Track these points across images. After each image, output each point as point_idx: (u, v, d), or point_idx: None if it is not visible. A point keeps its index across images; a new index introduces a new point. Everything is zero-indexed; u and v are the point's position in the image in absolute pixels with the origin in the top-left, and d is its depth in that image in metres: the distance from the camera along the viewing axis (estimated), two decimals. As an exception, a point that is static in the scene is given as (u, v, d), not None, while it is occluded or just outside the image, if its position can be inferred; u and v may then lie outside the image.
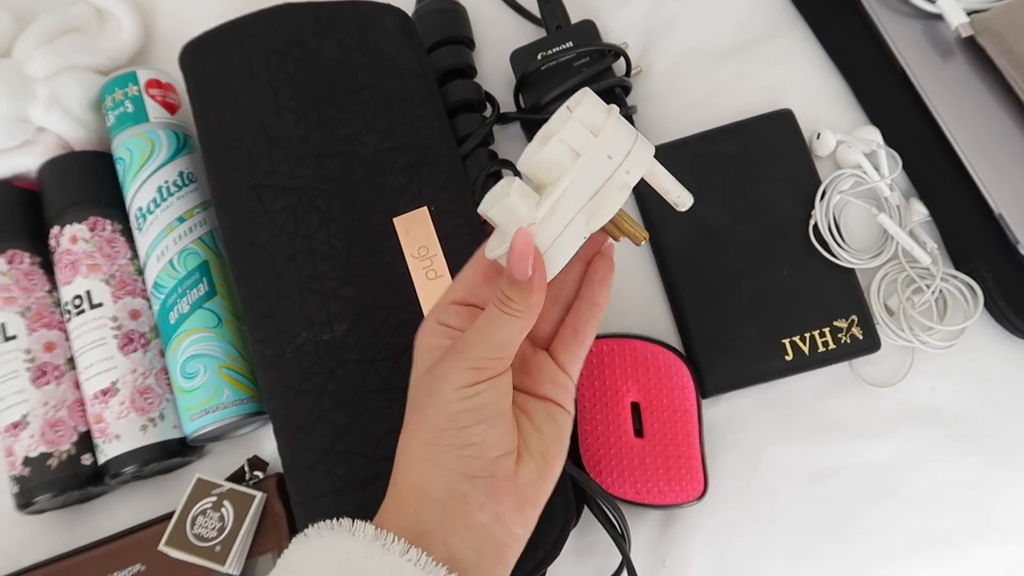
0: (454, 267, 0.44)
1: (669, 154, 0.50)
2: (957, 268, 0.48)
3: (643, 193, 0.50)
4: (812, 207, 0.48)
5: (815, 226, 0.47)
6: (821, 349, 0.46)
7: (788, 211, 0.48)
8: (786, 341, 0.47)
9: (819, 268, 0.47)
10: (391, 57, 0.47)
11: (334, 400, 0.42)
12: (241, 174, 0.46)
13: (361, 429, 0.41)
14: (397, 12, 0.48)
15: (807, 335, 0.47)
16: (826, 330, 0.47)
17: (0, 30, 0.52)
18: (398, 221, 0.44)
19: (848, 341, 0.46)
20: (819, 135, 0.50)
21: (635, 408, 0.46)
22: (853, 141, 0.49)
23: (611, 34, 0.56)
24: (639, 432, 0.45)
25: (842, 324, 0.47)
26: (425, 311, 0.43)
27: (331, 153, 0.45)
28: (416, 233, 0.44)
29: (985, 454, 0.45)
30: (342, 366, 0.42)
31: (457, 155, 0.46)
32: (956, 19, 0.49)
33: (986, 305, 0.47)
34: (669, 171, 0.37)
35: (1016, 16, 0.48)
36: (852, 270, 0.47)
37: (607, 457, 0.45)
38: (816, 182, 0.49)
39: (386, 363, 0.42)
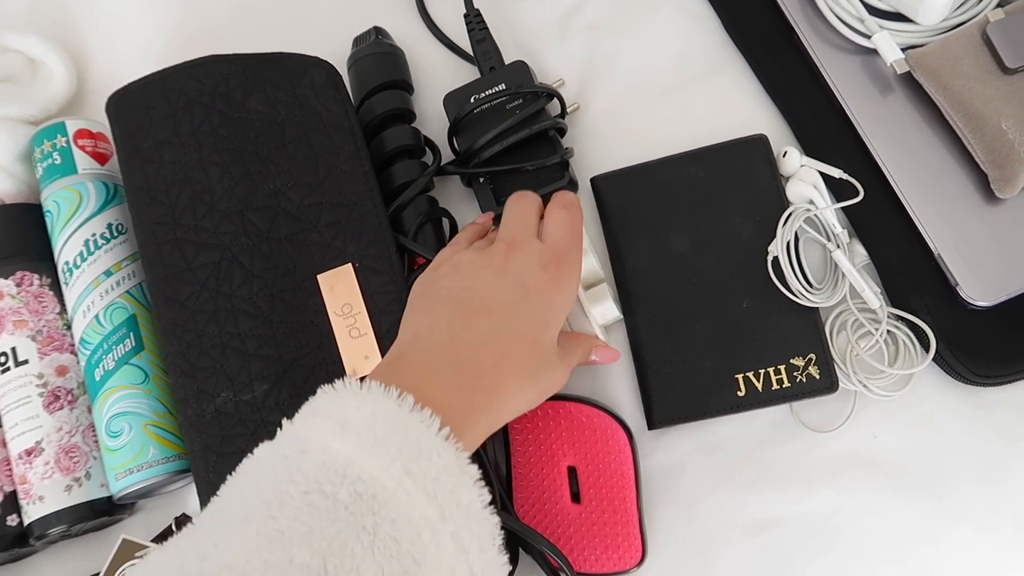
0: (378, 325, 0.43)
1: (633, 177, 0.49)
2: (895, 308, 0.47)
3: (608, 213, 0.49)
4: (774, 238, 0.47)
5: (775, 261, 0.46)
6: (775, 387, 0.46)
7: (752, 242, 0.47)
8: (740, 376, 0.46)
9: (780, 303, 0.46)
10: (317, 111, 0.46)
11: (254, 463, 0.41)
12: (164, 228, 0.45)
13: (280, 494, 0.40)
14: (324, 65, 0.47)
15: (762, 371, 0.46)
16: (782, 367, 0.46)
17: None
18: (322, 278, 0.44)
19: (804, 380, 0.45)
20: (785, 153, 0.49)
21: (571, 472, 0.45)
22: (813, 164, 0.48)
23: (548, 70, 0.55)
24: (576, 497, 0.44)
25: (799, 362, 0.46)
26: (348, 370, 0.42)
27: (255, 208, 0.45)
28: (340, 290, 0.43)
29: (928, 504, 0.44)
30: (263, 427, 0.41)
31: (383, 211, 0.45)
32: (891, 55, 0.48)
33: (922, 346, 0.46)
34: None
35: (952, 52, 0.47)
36: (815, 308, 0.46)
37: (544, 523, 0.44)
38: (783, 211, 0.47)
39: (306, 425, 0.41)
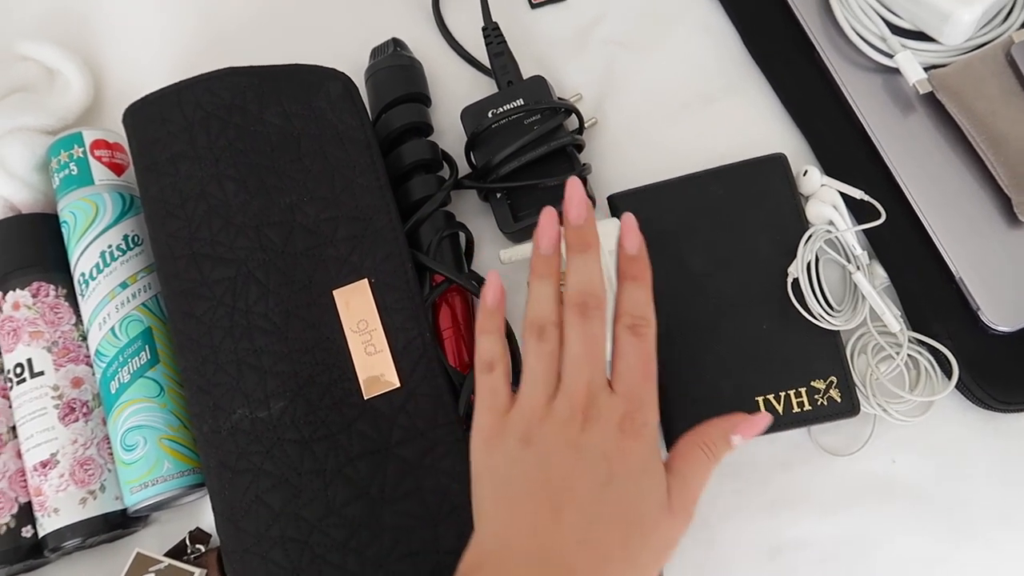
0: (394, 342, 0.43)
1: (652, 195, 0.49)
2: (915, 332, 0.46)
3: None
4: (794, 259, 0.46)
5: (794, 282, 0.46)
6: (795, 409, 0.45)
7: (772, 262, 0.47)
8: (760, 399, 0.45)
9: (800, 325, 0.46)
10: (334, 124, 0.46)
11: (270, 481, 0.41)
12: (181, 242, 0.45)
13: (296, 513, 0.40)
14: (340, 77, 0.47)
15: (782, 394, 0.45)
16: (802, 390, 0.45)
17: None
18: (338, 294, 0.43)
19: (824, 403, 0.45)
20: (806, 172, 0.48)
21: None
22: (833, 184, 0.48)
23: (566, 84, 0.55)
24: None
25: (820, 385, 0.45)
26: (363, 388, 0.42)
27: (271, 223, 0.44)
28: (356, 306, 0.43)
29: (947, 530, 0.44)
30: (278, 445, 0.41)
31: (399, 226, 0.45)
32: (914, 76, 0.47)
33: (944, 372, 0.45)
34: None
35: (975, 72, 0.47)
36: (836, 330, 0.46)
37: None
38: (803, 232, 0.47)
39: (322, 443, 0.41)
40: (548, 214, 0.40)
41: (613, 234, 0.46)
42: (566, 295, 0.38)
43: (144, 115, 0.47)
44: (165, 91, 0.47)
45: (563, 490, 0.35)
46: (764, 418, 0.39)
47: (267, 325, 0.43)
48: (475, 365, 0.39)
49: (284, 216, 0.45)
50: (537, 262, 0.39)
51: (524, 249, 0.48)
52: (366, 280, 0.44)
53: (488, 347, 0.39)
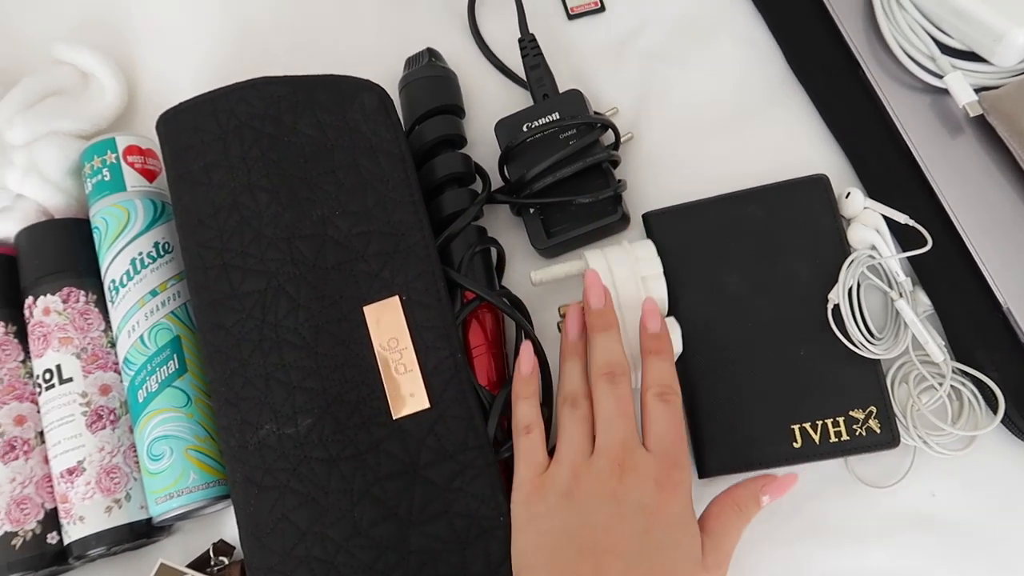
0: (424, 362, 0.42)
1: (688, 214, 0.48)
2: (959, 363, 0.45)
3: (661, 251, 0.47)
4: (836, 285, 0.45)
5: (835, 308, 0.45)
6: (833, 439, 0.44)
7: (811, 287, 0.46)
8: (796, 427, 0.44)
9: (839, 353, 0.44)
10: (368, 136, 0.45)
11: (296, 499, 0.40)
12: (212, 253, 0.44)
13: (322, 533, 0.40)
14: (376, 89, 0.47)
15: (819, 423, 0.44)
16: (840, 419, 0.44)
17: (-17, 93, 0.52)
18: (369, 310, 0.43)
19: (863, 434, 0.44)
20: (848, 194, 0.47)
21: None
22: (877, 207, 0.47)
23: (602, 97, 0.54)
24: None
25: (858, 415, 0.44)
26: (392, 408, 0.41)
27: (303, 236, 0.44)
28: (387, 324, 0.43)
29: (989, 567, 0.43)
30: (305, 463, 0.41)
31: (432, 243, 0.44)
32: (964, 97, 0.46)
33: (988, 405, 0.44)
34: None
35: (1029, 96, 0.45)
36: (876, 359, 0.44)
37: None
38: (844, 256, 0.46)
39: (349, 463, 0.41)
40: (574, 312, 0.44)
41: (647, 258, 0.46)
42: (592, 368, 0.41)
43: (177, 123, 0.47)
44: (199, 99, 0.47)
45: (603, 539, 0.36)
46: (791, 479, 0.42)
47: (296, 340, 0.42)
48: (513, 429, 0.42)
49: (316, 229, 0.44)
50: (566, 346, 0.43)
51: (555, 271, 0.47)
52: (397, 297, 0.43)
53: (524, 412, 0.42)
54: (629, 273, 0.45)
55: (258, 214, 0.44)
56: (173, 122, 0.47)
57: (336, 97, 0.46)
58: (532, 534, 0.38)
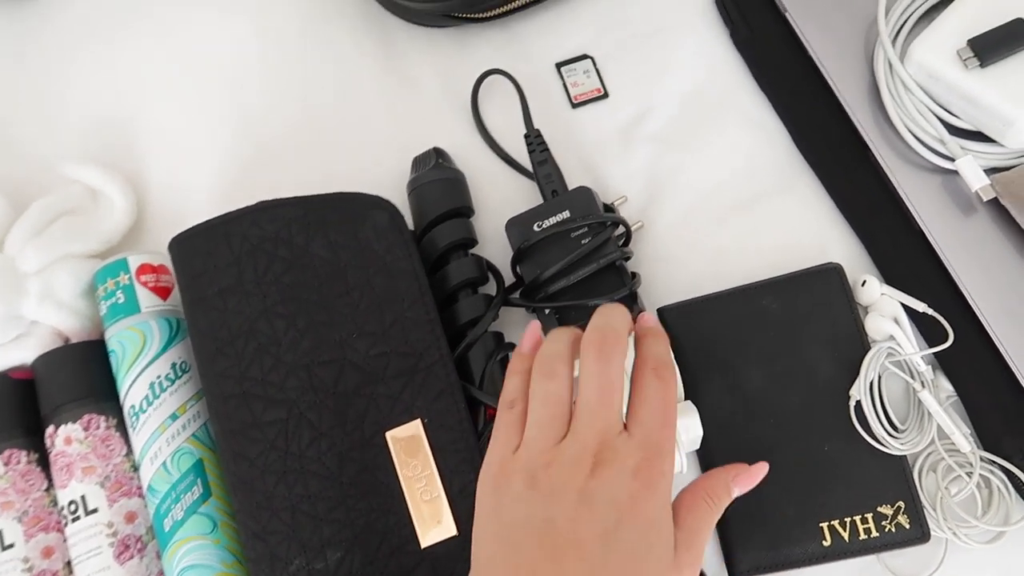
0: (450, 487, 0.42)
1: (703, 308, 0.48)
2: (986, 452, 0.45)
3: (678, 346, 0.48)
4: (855, 378, 0.45)
5: (857, 404, 0.45)
6: (862, 536, 0.44)
7: (831, 380, 0.46)
8: (824, 525, 0.44)
9: (864, 447, 0.44)
10: (381, 255, 0.45)
11: (330, 636, 0.40)
12: (231, 382, 0.44)
13: (357, 670, 0.40)
14: (386, 206, 0.47)
15: (848, 520, 0.44)
16: (869, 516, 0.44)
17: (-6, 218, 0.52)
18: (391, 436, 0.43)
19: (893, 530, 0.44)
20: (864, 282, 0.47)
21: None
22: (894, 294, 0.46)
23: (610, 186, 0.54)
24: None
25: (887, 511, 0.44)
26: (420, 536, 0.41)
27: (321, 362, 0.44)
28: (410, 449, 0.43)
29: (1026, 661, 0.42)
30: (336, 597, 0.41)
31: (450, 361, 0.44)
32: (976, 182, 0.46)
33: (1020, 493, 0.44)
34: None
35: (1042, 179, 0.45)
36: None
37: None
38: (863, 348, 0.45)
39: (381, 597, 0.41)
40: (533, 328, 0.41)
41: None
42: (584, 336, 0.37)
43: (190, 247, 0.47)
44: (211, 223, 0.47)
45: (567, 538, 0.33)
46: (761, 468, 0.39)
47: (321, 470, 0.42)
48: (498, 405, 0.38)
49: (334, 354, 0.44)
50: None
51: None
52: (419, 420, 0.43)
53: (513, 387, 0.38)
54: None
55: (276, 340, 0.44)
56: (185, 246, 0.47)
57: (347, 216, 0.46)
58: (494, 523, 0.35)
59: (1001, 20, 0.45)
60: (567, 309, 0.48)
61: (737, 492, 0.38)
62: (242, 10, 0.58)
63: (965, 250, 0.46)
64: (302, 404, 0.43)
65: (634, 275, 0.49)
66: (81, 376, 0.50)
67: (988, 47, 0.45)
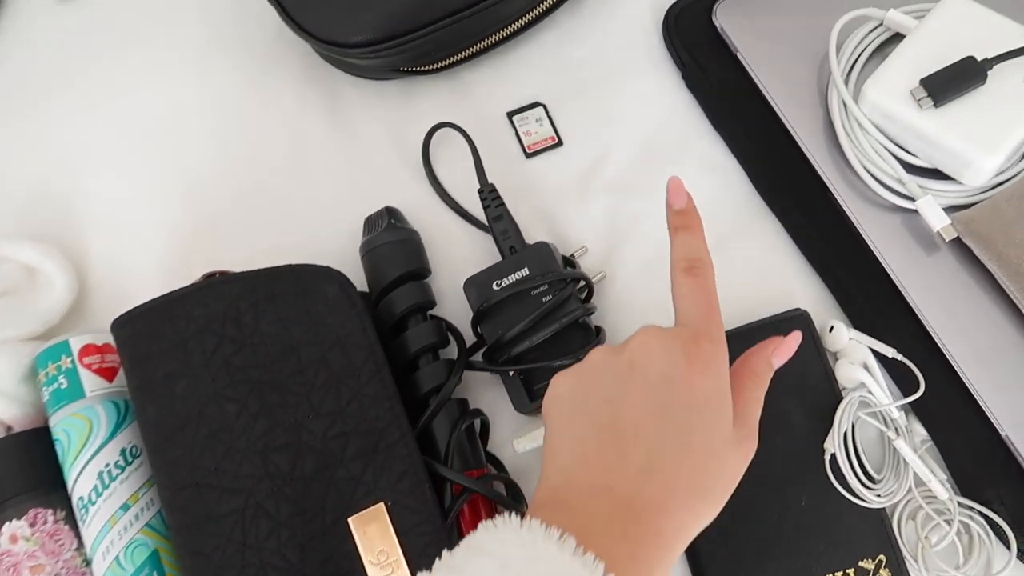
0: (416, 571, 0.40)
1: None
2: (964, 497, 0.44)
3: None
4: (829, 429, 0.44)
5: (832, 457, 0.44)
6: None
7: (805, 431, 0.45)
8: None
9: (841, 501, 0.43)
10: (334, 329, 0.44)
11: None
12: (183, 472, 0.42)
13: None
14: (337, 277, 0.45)
15: None
16: (851, 571, 0.43)
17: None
18: (353, 522, 0.41)
19: None
20: (832, 328, 0.46)
21: None
22: (863, 339, 0.46)
23: (570, 236, 0.52)
24: None
25: (868, 565, 0.43)
26: (389, 628, 0.40)
27: (276, 447, 0.42)
28: (374, 535, 0.41)
29: None
30: None
31: (412, 439, 0.43)
32: (938, 223, 0.45)
33: (999, 538, 0.43)
34: None
35: (1003, 216, 0.44)
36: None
37: None
38: (835, 397, 0.45)
39: None
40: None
41: None
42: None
43: (133, 330, 0.45)
44: (154, 304, 0.45)
45: (629, 421, 0.34)
46: (796, 337, 0.40)
47: (281, 563, 0.40)
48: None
49: (290, 437, 0.42)
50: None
51: (538, 435, 0.46)
52: (382, 504, 0.41)
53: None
54: None
55: (228, 427, 0.42)
56: (128, 329, 0.45)
57: (296, 290, 0.44)
58: (559, 407, 0.37)
59: (951, 58, 0.45)
60: (532, 371, 0.47)
61: (777, 363, 0.39)
62: (178, 72, 0.57)
63: (931, 290, 0.46)
64: (259, 493, 0.41)
65: (599, 330, 0.48)
66: (25, 468, 0.47)
67: (941, 87, 0.44)
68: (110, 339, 0.49)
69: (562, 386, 0.37)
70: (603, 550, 0.30)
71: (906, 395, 0.45)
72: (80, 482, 0.46)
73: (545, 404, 0.38)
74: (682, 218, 0.41)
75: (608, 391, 0.35)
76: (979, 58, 0.44)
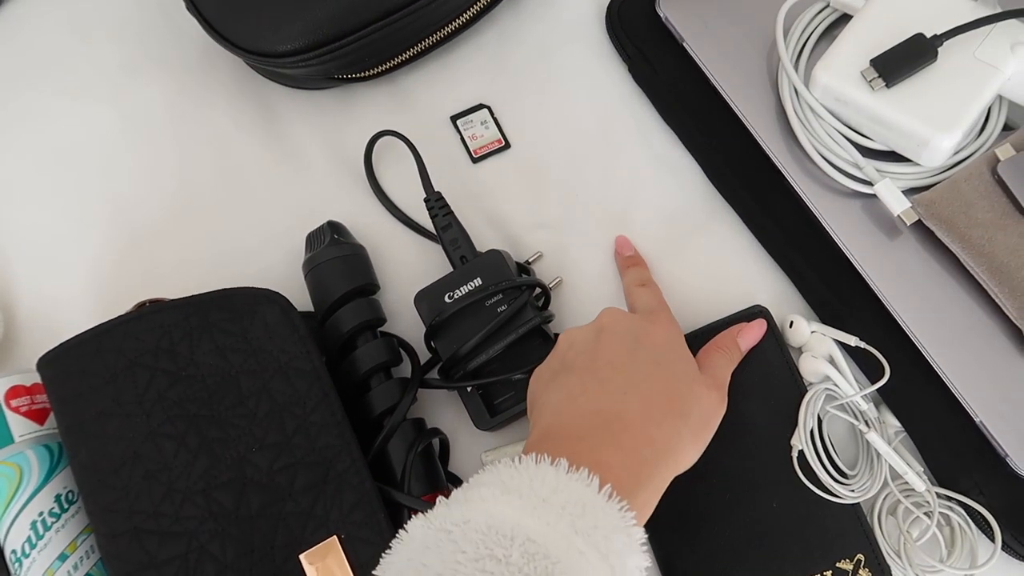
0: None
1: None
2: (942, 488, 0.42)
3: None
4: (796, 427, 0.42)
5: (800, 454, 0.42)
6: None
7: (771, 431, 0.43)
8: None
9: (814, 500, 0.42)
10: (275, 355, 0.41)
11: None
12: (119, 517, 0.39)
13: None
14: (276, 299, 0.42)
15: None
16: (828, 573, 0.41)
17: None
18: (305, 558, 0.38)
19: None
20: (791, 323, 0.45)
21: None
22: (825, 331, 0.44)
23: (523, 239, 0.50)
24: None
25: (846, 566, 0.41)
26: (349, 671, 0.37)
27: (219, 484, 0.39)
28: (328, 570, 0.38)
29: None
30: None
31: (364, 467, 0.40)
32: (897, 206, 0.44)
33: (980, 528, 0.42)
34: None
35: (963, 197, 0.43)
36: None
37: None
38: (799, 393, 0.43)
39: None
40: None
41: None
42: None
43: (60, 367, 0.42)
44: (82, 338, 0.42)
45: (605, 362, 0.39)
46: (760, 325, 0.45)
47: (230, 609, 0.38)
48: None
49: (233, 473, 0.39)
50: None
51: (510, 449, 0.44)
52: (335, 537, 0.39)
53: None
54: None
55: (165, 465, 0.39)
56: (55, 366, 0.42)
57: (233, 315, 0.42)
58: (542, 379, 0.41)
59: (900, 36, 0.44)
60: (491, 385, 0.45)
61: (744, 346, 0.44)
62: (97, 93, 0.54)
63: (894, 275, 0.44)
64: (202, 535, 0.39)
65: (558, 337, 0.46)
66: (-48, 523, 0.44)
67: (891, 66, 0.43)
68: (39, 379, 0.46)
69: (542, 368, 0.41)
70: (597, 462, 0.33)
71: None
72: (12, 534, 0.43)
73: (529, 391, 0.41)
74: (631, 260, 0.48)
75: (583, 349, 0.40)
76: (928, 35, 0.43)
